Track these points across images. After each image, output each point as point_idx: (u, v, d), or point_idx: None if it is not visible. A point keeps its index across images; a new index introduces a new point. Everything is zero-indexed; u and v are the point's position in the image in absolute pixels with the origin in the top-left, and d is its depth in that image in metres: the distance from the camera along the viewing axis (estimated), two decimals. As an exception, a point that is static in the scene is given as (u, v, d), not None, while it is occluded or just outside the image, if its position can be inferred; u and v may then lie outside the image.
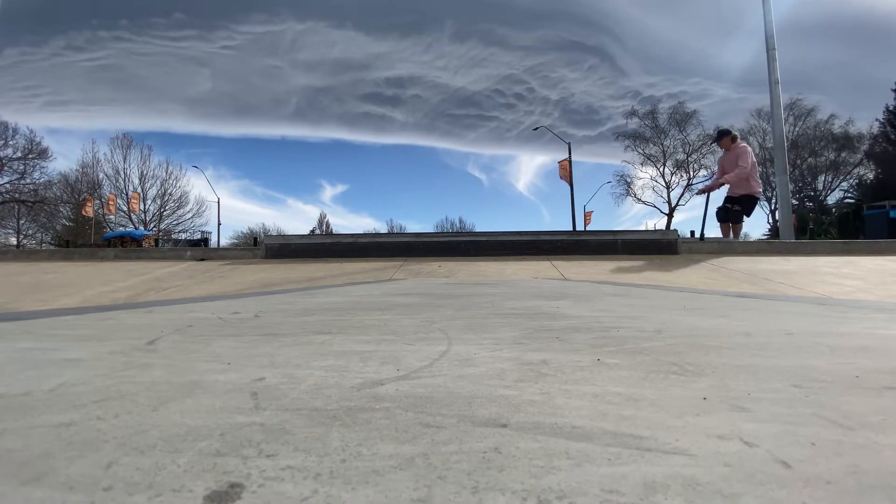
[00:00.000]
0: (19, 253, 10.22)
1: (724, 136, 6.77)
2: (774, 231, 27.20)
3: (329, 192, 68.53)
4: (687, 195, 30.78)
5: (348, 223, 62.92)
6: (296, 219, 62.39)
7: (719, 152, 7.18)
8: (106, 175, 32.09)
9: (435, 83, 46.98)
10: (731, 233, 6.91)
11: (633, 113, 31.83)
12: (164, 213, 33.21)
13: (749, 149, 6.64)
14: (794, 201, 27.21)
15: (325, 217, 47.63)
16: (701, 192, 7.08)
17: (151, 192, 32.77)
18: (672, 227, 27.83)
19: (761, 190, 6.72)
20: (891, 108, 25.85)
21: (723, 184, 6.68)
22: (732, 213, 6.72)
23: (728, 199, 6.74)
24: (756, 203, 6.78)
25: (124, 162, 32.11)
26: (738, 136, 6.76)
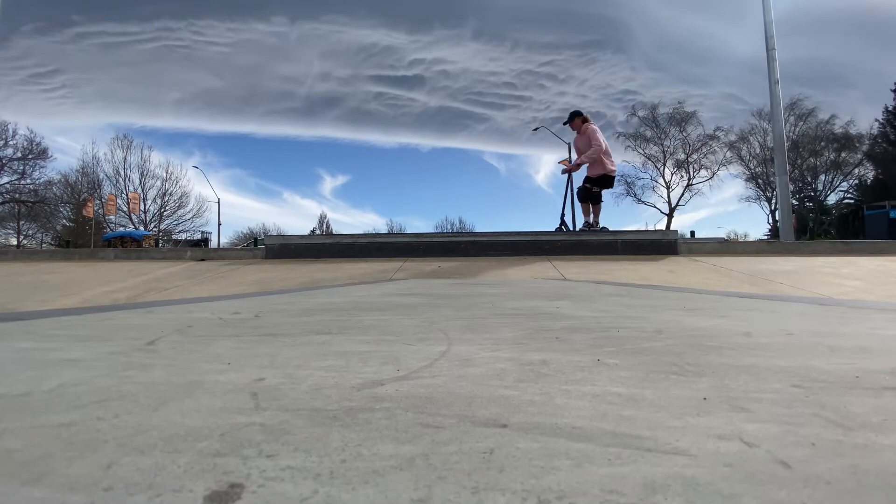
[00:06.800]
0: (19, 253, 10.22)
1: (575, 118, 6.82)
2: (774, 231, 27.22)
3: (329, 183, 66.48)
4: (687, 195, 30.81)
5: (350, 219, 61.99)
6: (294, 215, 61.59)
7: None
8: (106, 175, 32.12)
9: (448, 73, 46.76)
10: (592, 213, 7.00)
11: (633, 113, 31.88)
12: (165, 213, 33.22)
13: (598, 129, 6.76)
14: (794, 201, 27.20)
15: (325, 217, 47.70)
16: (563, 171, 7.14)
17: (151, 193, 32.79)
18: (672, 228, 27.84)
19: (615, 168, 6.85)
20: (890, 108, 25.86)
21: (581, 164, 6.79)
22: (592, 193, 6.83)
23: (587, 180, 6.83)
24: (612, 181, 6.93)
25: (124, 162, 32.14)
26: (589, 118, 6.83)
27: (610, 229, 7.02)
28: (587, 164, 6.77)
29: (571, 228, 7.32)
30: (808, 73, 36.39)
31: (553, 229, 7.20)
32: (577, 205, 7.16)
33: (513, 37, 46.17)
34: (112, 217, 29.71)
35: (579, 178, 7.02)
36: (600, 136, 6.66)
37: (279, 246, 7.12)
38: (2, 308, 3.46)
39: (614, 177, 6.90)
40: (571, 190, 7.14)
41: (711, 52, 48.95)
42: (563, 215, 7.24)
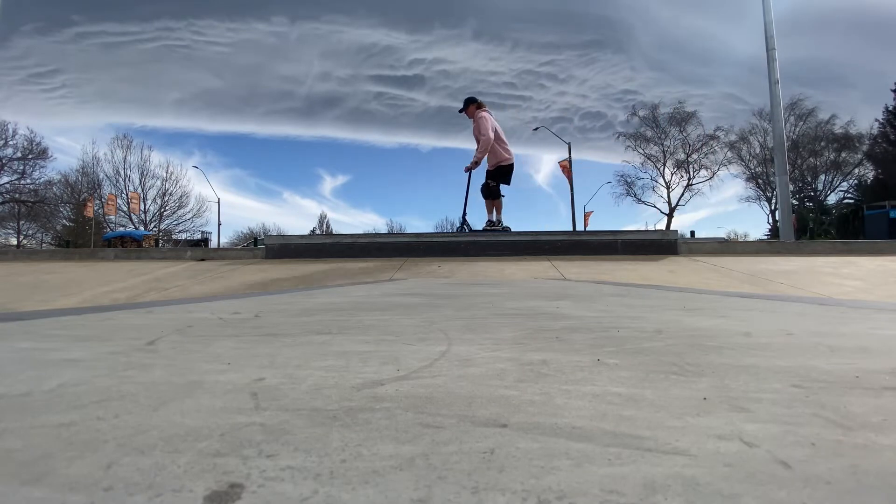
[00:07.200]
0: (19, 253, 10.23)
1: (469, 105, 6.44)
2: (774, 231, 27.22)
3: (329, 183, 66.38)
4: (687, 195, 30.82)
5: (350, 219, 61.91)
6: (294, 215, 61.59)
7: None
8: (106, 175, 32.13)
9: (448, 73, 46.74)
10: (494, 210, 6.70)
11: (633, 113, 31.89)
12: (165, 213, 33.23)
13: (488, 116, 6.28)
14: (795, 201, 27.21)
15: (325, 217, 47.77)
16: (465, 169, 6.70)
17: (151, 193, 32.79)
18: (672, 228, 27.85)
19: (511, 157, 6.42)
20: (890, 108, 25.84)
21: (479, 160, 6.36)
22: (490, 189, 6.48)
23: (487, 174, 6.50)
24: (510, 172, 6.46)
25: (124, 162, 32.15)
26: (483, 104, 6.41)
27: (511, 229, 6.76)
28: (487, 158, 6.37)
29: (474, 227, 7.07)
30: (808, 73, 36.38)
31: (473, 229, 7.00)
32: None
33: (513, 37, 46.23)
34: (112, 217, 29.73)
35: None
36: (489, 124, 6.20)
37: (279, 246, 7.12)
38: (2, 308, 3.46)
39: (511, 166, 6.47)
40: (469, 189, 6.82)
41: (711, 52, 48.98)
42: (464, 214, 6.96)
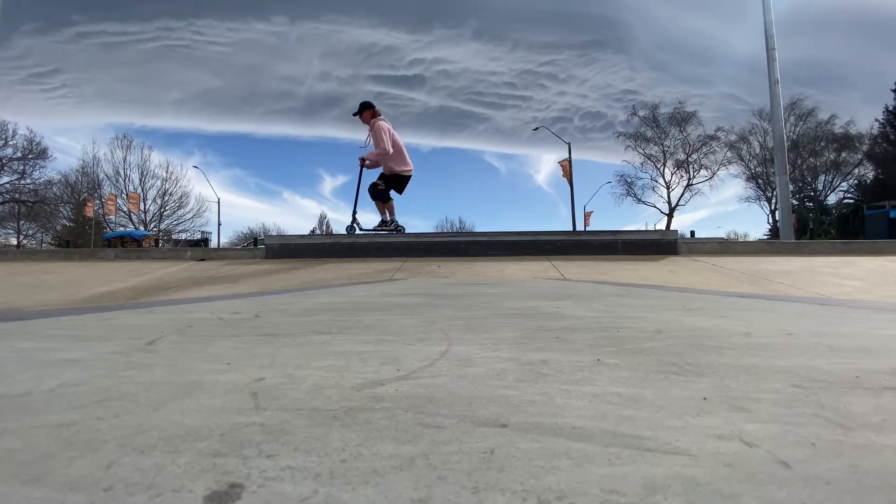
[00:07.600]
0: (19, 253, 10.23)
1: (364, 110, 6.09)
2: (774, 231, 27.22)
3: (329, 183, 65.92)
4: (687, 195, 30.83)
5: (350, 219, 62.05)
6: (294, 215, 61.61)
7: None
8: (106, 175, 32.15)
9: (448, 73, 46.75)
10: (386, 211, 6.44)
11: (633, 113, 31.89)
12: (165, 213, 33.24)
13: (385, 126, 5.95)
14: (795, 201, 27.20)
15: (325, 217, 47.78)
16: (360, 161, 6.29)
17: (151, 193, 32.80)
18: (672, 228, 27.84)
19: (410, 169, 6.18)
20: (890, 108, 25.82)
21: (370, 160, 6.13)
22: (379, 191, 6.18)
23: (380, 177, 6.15)
24: (405, 182, 6.23)
25: (124, 162, 32.16)
26: (379, 112, 6.09)
27: (403, 229, 6.50)
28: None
29: (366, 228, 6.75)
30: (808, 73, 36.42)
31: (375, 229, 6.67)
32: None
33: (513, 37, 46.29)
34: (112, 217, 29.72)
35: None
36: (387, 137, 5.87)
37: (279, 246, 7.12)
38: (2, 308, 3.46)
39: (408, 178, 6.23)
40: (359, 185, 6.47)
41: (711, 52, 49.03)
42: (354, 213, 6.66)
